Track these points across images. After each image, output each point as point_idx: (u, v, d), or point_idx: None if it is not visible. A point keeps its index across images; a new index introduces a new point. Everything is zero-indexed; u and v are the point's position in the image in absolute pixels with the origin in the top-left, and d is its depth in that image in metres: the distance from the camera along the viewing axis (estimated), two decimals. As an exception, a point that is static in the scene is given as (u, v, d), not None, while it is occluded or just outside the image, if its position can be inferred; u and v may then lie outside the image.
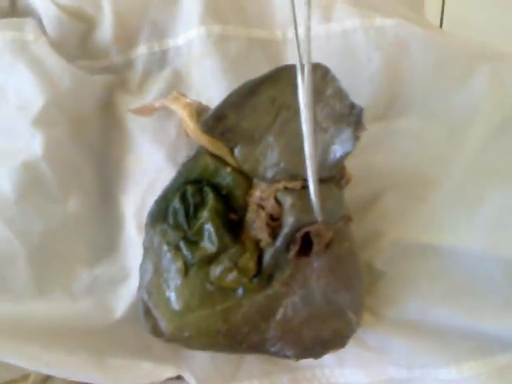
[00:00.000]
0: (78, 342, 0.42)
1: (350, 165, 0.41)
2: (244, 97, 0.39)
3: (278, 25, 0.50)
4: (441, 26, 0.89)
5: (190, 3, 0.49)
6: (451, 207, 0.44)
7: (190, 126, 0.40)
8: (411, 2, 0.59)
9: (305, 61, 0.35)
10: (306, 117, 0.34)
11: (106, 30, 0.49)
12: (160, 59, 0.50)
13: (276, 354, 0.40)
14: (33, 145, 0.44)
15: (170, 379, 0.42)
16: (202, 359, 0.44)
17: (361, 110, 0.37)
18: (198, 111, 0.40)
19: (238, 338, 0.39)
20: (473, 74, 0.47)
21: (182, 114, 0.41)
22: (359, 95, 0.39)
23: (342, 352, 0.41)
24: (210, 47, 0.48)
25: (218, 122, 0.39)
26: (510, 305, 0.42)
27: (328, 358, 0.43)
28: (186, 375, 0.42)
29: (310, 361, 0.41)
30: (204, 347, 0.40)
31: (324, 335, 0.39)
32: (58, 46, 0.48)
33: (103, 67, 0.50)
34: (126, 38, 0.50)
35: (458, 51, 0.48)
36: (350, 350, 0.41)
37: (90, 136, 0.48)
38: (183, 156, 0.42)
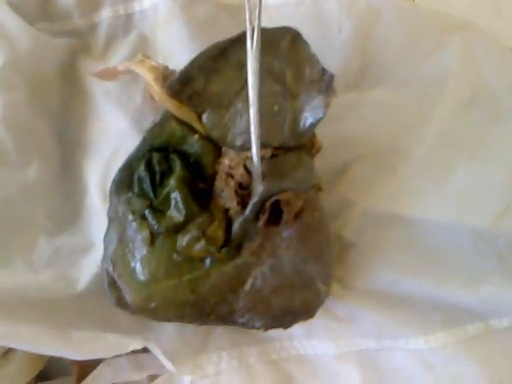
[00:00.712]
0: (40, 314, 0.40)
1: (321, 134, 0.40)
2: (212, 59, 0.37)
3: (249, -11, 0.48)
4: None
5: None
6: (420, 178, 0.44)
7: (156, 89, 0.38)
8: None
9: (255, 24, 0.34)
10: (251, 83, 0.34)
11: None
12: (125, 23, 0.48)
13: (245, 325, 0.39)
14: None
15: (136, 351, 0.41)
16: (169, 331, 0.43)
17: (331, 75, 0.37)
18: (165, 75, 0.39)
19: (205, 308, 0.38)
20: (443, 46, 0.47)
21: (148, 77, 0.39)
22: (330, 64, 0.38)
23: (310, 323, 0.40)
24: (176, 11, 0.46)
25: (184, 86, 0.37)
26: (477, 275, 0.43)
27: (297, 329, 0.43)
28: (152, 347, 0.41)
29: (278, 332, 0.41)
30: (171, 318, 0.40)
31: (293, 305, 0.39)
32: (17, 7, 0.46)
33: (65, 30, 0.48)
34: (89, 0, 0.47)
35: (429, 22, 0.47)
36: (319, 321, 0.41)
37: (51, 101, 0.46)
38: (149, 122, 0.41)
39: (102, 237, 0.40)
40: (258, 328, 0.39)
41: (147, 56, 0.41)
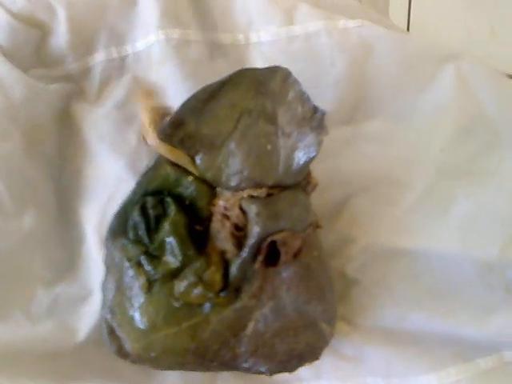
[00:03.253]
0: (41, 368, 0.39)
1: (317, 170, 0.39)
2: (203, 102, 0.37)
3: (240, 28, 0.48)
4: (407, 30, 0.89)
5: (148, 7, 0.47)
6: (422, 209, 0.43)
7: (149, 133, 0.38)
8: (376, 5, 0.58)
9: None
10: None
11: (61, 37, 0.47)
12: (118, 66, 0.48)
13: (249, 370, 0.38)
14: None
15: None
16: (173, 379, 0.42)
17: (323, 113, 0.36)
18: (162, 117, 0.39)
19: (207, 355, 0.37)
20: (438, 75, 0.46)
21: (144, 118, 0.39)
22: (324, 99, 0.39)
23: (318, 364, 0.39)
24: (169, 52, 0.46)
25: (176, 129, 0.37)
26: (486, 307, 0.41)
27: (304, 371, 0.41)
28: (156, 397, 0.40)
29: (285, 375, 0.40)
30: (173, 367, 0.39)
31: (297, 348, 0.38)
32: (10, 54, 0.46)
33: (59, 76, 0.48)
34: (83, 44, 0.48)
35: (423, 53, 0.47)
36: (326, 361, 0.40)
37: (46, 148, 0.45)
38: (144, 165, 0.41)
39: (100, 284, 0.39)
40: (262, 373, 0.38)
41: (151, 93, 0.41)
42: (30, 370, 0.39)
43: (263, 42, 0.47)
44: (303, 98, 0.37)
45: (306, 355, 0.38)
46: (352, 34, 0.46)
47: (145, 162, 0.43)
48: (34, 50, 0.47)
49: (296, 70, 0.38)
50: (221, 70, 0.43)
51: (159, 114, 0.39)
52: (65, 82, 0.48)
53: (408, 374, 0.41)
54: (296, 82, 0.37)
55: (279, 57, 0.38)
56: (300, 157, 0.36)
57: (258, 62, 0.46)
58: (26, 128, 0.44)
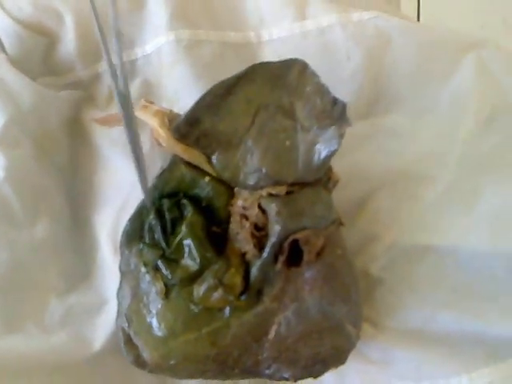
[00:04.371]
0: (55, 379, 0.38)
1: (337, 166, 0.38)
2: (218, 98, 0.36)
3: (251, 26, 0.48)
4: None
5: (156, 9, 0.47)
6: (447, 204, 0.42)
7: (162, 134, 0.37)
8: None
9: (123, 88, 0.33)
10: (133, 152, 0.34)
11: (69, 44, 0.47)
12: (129, 70, 0.48)
13: (272, 377, 0.37)
14: None
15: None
16: (193, 389, 0.41)
17: (344, 104, 0.35)
18: (170, 119, 0.38)
19: (228, 362, 0.36)
20: (458, 65, 0.45)
21: (153, 122, 0.38)
22: (341, 94, 0.37)
23: (343, 368, 0.38)
24: (180, 53, 0.45)
25: (191, 128, 0.36)
26: None
27: (329, 377, 0.40)
28: (176, 407, 0.39)
29: (309, 381, 0.38)
30: (193, 375, 0.37)
31: (322, 352, 0.36)
32: (19, 63, 0.46)
33: (69, 83, 0.48)
34: (91, 51, 0.47)
35: (441, 42, 0.46)
36: (351, 365, 0.38)
37: (57, 155, 0.45)
38: (158, 168, 0.40)
39: (116, 292, 0.38)
40: (286, 379, 0.37)
41: (150, 101, 0.40)
42: (43, 382, 0.38)
43: (275, 39, 0.47)
44: (322, 90, 0.36)
45: (332, 359, 0.37)
46: (367, 25, 0.45)
47: (158, 166, 0.42)
48: (42, 58, 0.47)
49: (311, 66, 0.37)
50: (233, 70, 0.42)
51: (167, 115, 0.38)
52: (74, 89, 0.47)
53: (438, 376, 0.40)
54: (314, 74, 0.36)
55: (292, 53, 0.37)
56: (321, 151, 0.35)
57: (271, 59, 0.45)
58: (36, 136, 0.44)
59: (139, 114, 0.39)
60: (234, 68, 0.45)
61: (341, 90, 0.42)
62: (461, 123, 0.44)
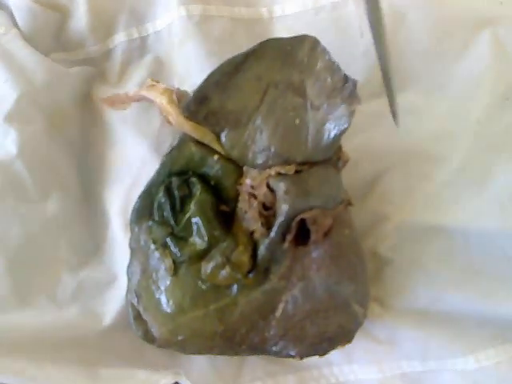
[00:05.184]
0: (67, 353, 0.39)
1: (347, 145, 0.38)
2: (227, 75, 0.36)
3: (263, 2, 0.47)
4: None
5: None
6: (458, 184, 0.41)
7: (171, 112, 0.37)
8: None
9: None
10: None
11: (80, 20, 0.46)
12: (140, 46, 0.47)
13: (278, 354, 0.37)
14: (6, 143, 0.41)
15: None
16: (201, 363, 0.41)
17: (354, 82, 0.35)
18: (178, 96, 0.37)
19: (236, 338, 0.36)
20: (473, 42, 0.44)
21: (161, 101, 0.37)
22: (354, 71, 0.36)
23: (349, 347, 0.38)
24: (191, 29, 0.45)
25: (200, 105, 0.36)
26: None
27: (335, 355, 0.40)
28: (184, 382, 0.39)
29: (316, 359, 0.38)
30: (200, 351, 0.38)
31: (329, 330, 0.37)
32: (31, 38, 0.45)
33: (80, 59, 0.48)
34: (103, 26, 0.47)
35: (456, 18, 0.45)
36: (358, 344, 0.39)
37: (69, 131, 0.45)
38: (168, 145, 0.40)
39: (125, 268, 0.39)
40: (292, 356, 0.37)
41: (157, 80, 0.40)
42: (55, 356, 0.38)
43: (288, 15, 0.46)
44: (333, 67, 0.35)
45: (338, 338, 0.37)
46: (382, 1, 0.44)
47: (169, 144, 0.42)
48: (54, 34, 0.47)
49: (323, 42, 0.36)
50: (244, 46, 0.42)
51: (175, 93, 0.38)
52: (86, 65, 0.47)
53: (445, 356, 0.40)
54: (325, 51, 0.35)
55: (305, 29, 0.36)
56: (331, 130, 0.35)
57: (283, 35, 0.44)
58: (48, 112, 0.44)
59: (146, 93, 0.39)
60: (245, 44, 0.44)
61: (354, 66, 0.42)
62: (474, 101, 0.43)
